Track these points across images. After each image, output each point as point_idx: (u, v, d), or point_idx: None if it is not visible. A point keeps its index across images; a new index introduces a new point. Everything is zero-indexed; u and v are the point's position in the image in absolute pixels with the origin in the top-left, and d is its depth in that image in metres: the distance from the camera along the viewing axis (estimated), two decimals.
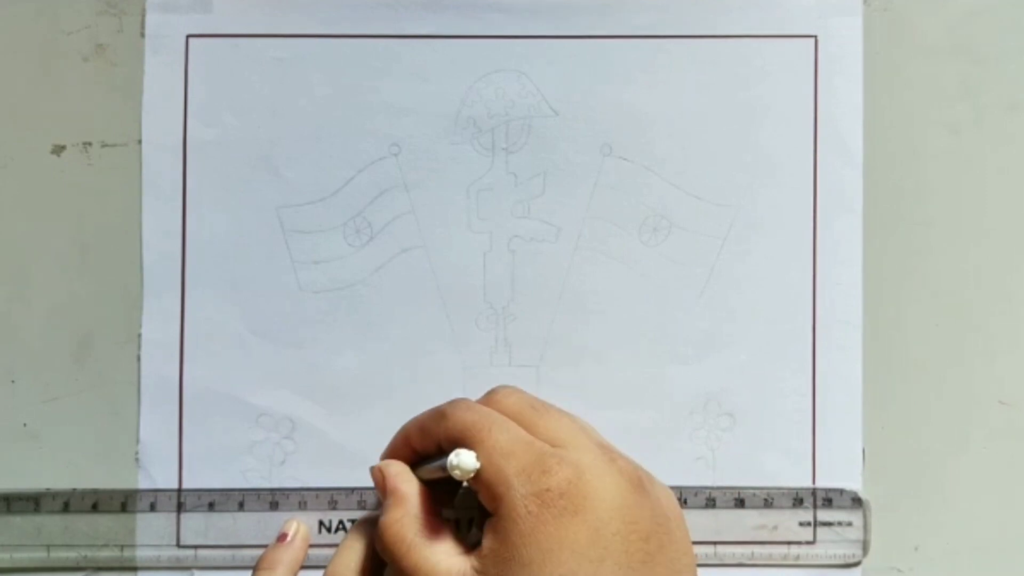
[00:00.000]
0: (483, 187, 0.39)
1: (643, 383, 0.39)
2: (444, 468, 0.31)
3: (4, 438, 0.39)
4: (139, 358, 0.39)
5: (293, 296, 0.39)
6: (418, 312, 0.39)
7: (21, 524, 0.39)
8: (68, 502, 0.39)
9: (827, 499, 0.39)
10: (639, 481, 0.31)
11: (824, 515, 0.39)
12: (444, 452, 0.31)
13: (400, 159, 0.39)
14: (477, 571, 0.30)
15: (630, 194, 0.39)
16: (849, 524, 0.39)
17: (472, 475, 0.30)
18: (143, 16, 0.39)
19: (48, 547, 0.39)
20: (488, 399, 0.33)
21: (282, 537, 0.37)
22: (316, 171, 0.39)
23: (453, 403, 0.33)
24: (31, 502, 0.39)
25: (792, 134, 0.39)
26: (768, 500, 0.39)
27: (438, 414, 0.33)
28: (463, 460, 0.30)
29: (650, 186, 0.39)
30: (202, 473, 0.39)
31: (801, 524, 0.39)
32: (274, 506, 0.39)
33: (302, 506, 0.39)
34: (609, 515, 0.30)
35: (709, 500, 0.39)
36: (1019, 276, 0.40)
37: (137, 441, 0.39)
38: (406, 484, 0.33)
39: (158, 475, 0.39)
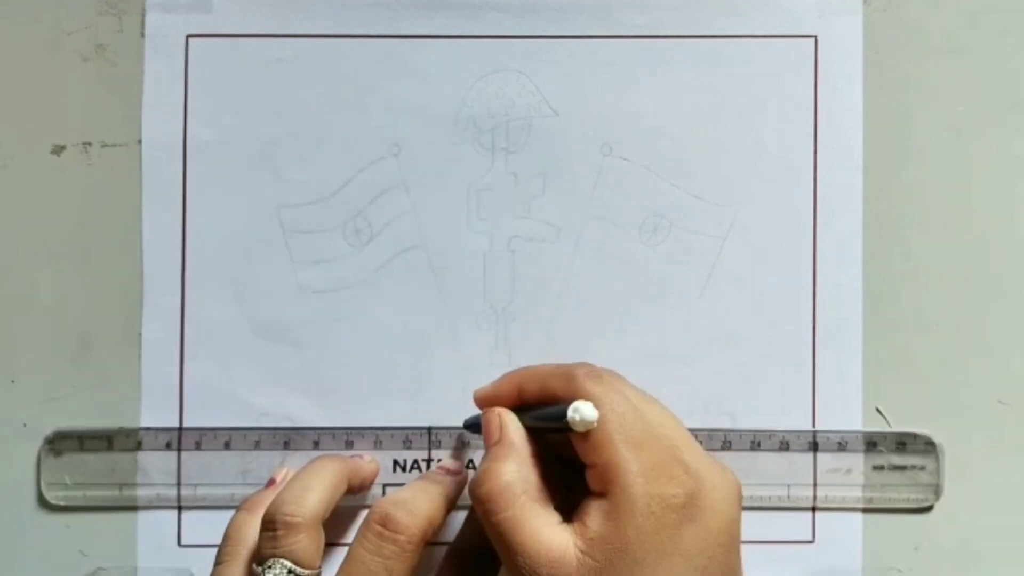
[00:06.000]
0: (483, 187, 0.39)
1: (643, 383, 0.39)
2: (555, 418, 0.31)
3: (4, 438, 0.39)
4: (139, 358, 0.39)
5: (293, 296, 0.39)
6: (418, 312, 0.39)
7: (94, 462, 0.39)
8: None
9: (901, 443, 0.39)
10: (741, 493, 0.32)
11: (897, 459, 0.39)
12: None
13: (400, 159, 0.39)
14: (581, 551, 0.30)
15: (630, 194, 0.39)
16: (923, 468, 0.39)
17: (593, 426, 0.30)
18: (143, 16, 0.39)
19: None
20: (599, 375, 0.33)
21: (271, 483, 0.37)
22: (316, 171, 0.39)
23: (581, 368, 0.33)
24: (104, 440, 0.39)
25: (792, 134, 0.39)
26: (842, 444, 0.39)
27: (565, 374, 0.32)
28: (584, 413, 0.30)
29: (650, 186, 0.39)
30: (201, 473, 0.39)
31: (875, 468, 0.39)
32: None
33: None
34: (719, 527, 0.31)
35: (783, 443, 0.39)
36: (1019, 276, 0.40)
37: None
38: (521, 439, 0.33)
39: (157, 475, 0.39)
